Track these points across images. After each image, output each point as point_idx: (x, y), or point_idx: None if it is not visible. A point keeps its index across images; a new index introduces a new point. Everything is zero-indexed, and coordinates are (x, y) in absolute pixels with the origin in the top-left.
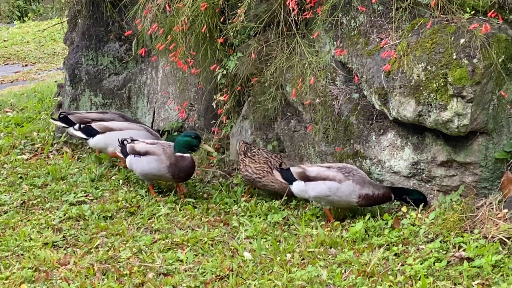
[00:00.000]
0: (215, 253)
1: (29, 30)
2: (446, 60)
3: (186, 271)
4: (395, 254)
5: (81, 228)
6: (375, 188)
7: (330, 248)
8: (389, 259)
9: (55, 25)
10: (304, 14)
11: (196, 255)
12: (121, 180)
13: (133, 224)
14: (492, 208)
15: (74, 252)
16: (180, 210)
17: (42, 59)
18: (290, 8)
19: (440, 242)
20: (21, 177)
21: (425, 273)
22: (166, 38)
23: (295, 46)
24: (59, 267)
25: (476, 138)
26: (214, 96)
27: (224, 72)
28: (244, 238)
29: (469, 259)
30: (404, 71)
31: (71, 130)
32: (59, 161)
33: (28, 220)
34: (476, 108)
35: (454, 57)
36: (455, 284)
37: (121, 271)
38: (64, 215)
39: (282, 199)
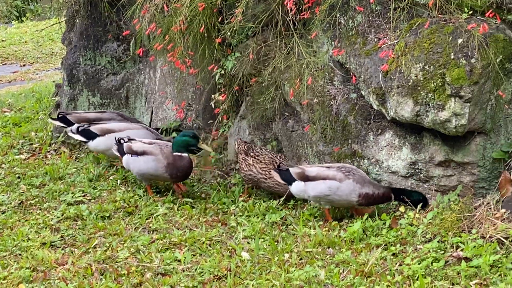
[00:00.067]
0: (213, 253)
1: (27, 30)
2: (444, 60)
3: (184, 271)
4: (393, 254)
5: (79, 228)
6: (375, 187)
7: (328, 248)
8: (387, 259)
9: (53, 25)
10: (302, 14)
11: (194, 255)
12: (119, 180)
13: (131, 224)
14: (490, 208)
15: (72, 252)
16: (178, 210)
17: (40, 59)
18: (288, 8)
19: (438, 242)
20: (19, 177)
21: (423, 273)
22: (164, 38)
23: (293, 46)
24: (57, 267)
25: (474, 138)
26: (212, 96)
27: (222, 72)
28: (242, 238)
29: (467, 259)
30: (402, 71)
31: (70, 132)
32: (57, 161)
33: (26, 220)
34: (474, 108)
35: (452, 57)
36: (453, 284)
37: (119, 271)
38: (62, 215)
39: (281, 199)
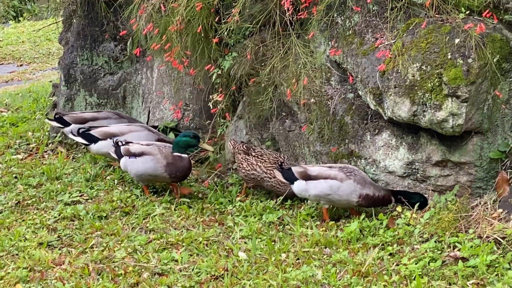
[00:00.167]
0: (210, 253)
1: (24, 30)
2: (441, 60)
3: (181, 271)
4: (390, 254)
5: (76, 228)
6: (376, 189)
7: (325, 248)
8: (384, 259)
9: (50, 25)
10: (299, 14)
11: (191, 255)
12: (116, 180)
13: (128, 224)
14: (487, 208)
15: (69, 252)
16: (175, 210)
17: (37, 59)
18: (285, 8)
19: (435, 242)
20: (16, 177)
21: (420, 273)
22: (161, 38)
23: (290, 46)
24: (54, 267)
25: (471, 138)
26: (210, 96)
27: (219, 72)
28: (239, 238)
29: (464, 259)
30: (399, 71)
31: (70, 135)
32: (54, 161)
33: (23, 220)
34: (471, 108)
35: (449, 57)
36: (450, 284)
37: (116, 271)
38: (59, 215)
39: (279, 199)
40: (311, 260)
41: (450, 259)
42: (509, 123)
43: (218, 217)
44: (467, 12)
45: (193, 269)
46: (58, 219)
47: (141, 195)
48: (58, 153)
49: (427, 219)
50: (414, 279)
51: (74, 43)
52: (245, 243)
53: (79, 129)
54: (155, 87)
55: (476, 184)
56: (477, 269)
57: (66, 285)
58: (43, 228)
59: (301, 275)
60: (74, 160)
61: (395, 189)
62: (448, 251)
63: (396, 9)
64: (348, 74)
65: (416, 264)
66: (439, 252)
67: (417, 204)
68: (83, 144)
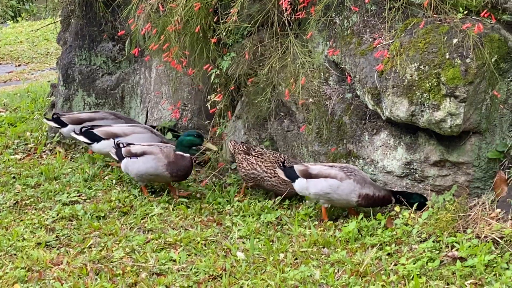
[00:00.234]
0: (208, 253)
1: (22, 30)
2: (439, 60)
3: (179, 271)
4: (388, 254)
5: (74, 228)
6: (376, 189)
7: (323, 247)
8: (382, 259)
9: (48, 25)
10: (297, 14)
11: (189, 255)
12: (114, 180)
13: (126, 224)
14: (485, 208)
15: (67, 252)
16: (173, 210)
17: (35, 59)
18: (283, 8)
19: (433, 241)
20: (14, 177)
21: (418, 273)
22: (160, 38)
23: (289, 46)
24: (52, 267)
25: (469, 138)
26: (209, 97)
27: (218, 72)
28: (237, 238)
29: (462, 259)
30: (397, 71)
31: (72, 133)
32: (52, 161)
33: (21, 220)
34: (469, 108)
35: (447, 57)
36: (448, 284)
37: (114, 271)
38: (57, 215)
39: (277, 199)
40: (309, 260)
41: (448, 259)
42: (507, 123)
43: (216, 217)
44: (465, 12)
45: (191, 269)
46: (56, 219)
47: (139, 195)
48: (56, 153)
49: (425, 219)
50: (412, 279)
51: (72, 43)
52: (243, 243)
53: (82, 127)
54: (153, 87)
55: (474, 184)
56: (475, 269)
57: (64, 285)
58: (41, 228)
59: (299, 275)
60: (72, 160)
61: (394, 190)
62: (446, 251)
63: (394, 9)
64: (346, 74)
65: (414, 264)
66: (437, 252)
67: (416, 204)
68: (85, 143)
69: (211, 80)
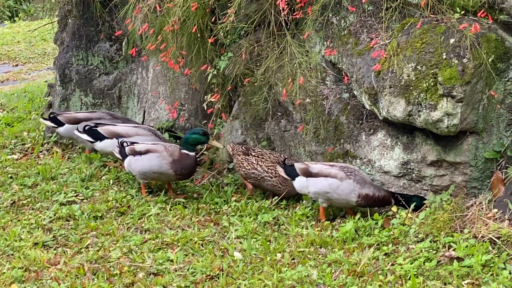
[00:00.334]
0: (205, 253)
1: (19, 30)
2: (436, 60)
3: (176, 271)
4: (385, 254)
5: (71, 228)
6: (376, 189)
7: (320, 247)
8: (379, 259)
9: (45, 25)
10: (294, 14)
11: (186, 255)
12: (111, 180)
13: (123, 224)
14: (482, 208)
15: (64, 252)
16: (170, 210)
17: (32, 59)
18: (280, 8)
19: (430, 241)
20: (11, 177)
21: (415, 273)
22: (157, 38)
23: (286, 46)
24: (49, 267)
25: (466, 138)
26: (205, 97)
27: (215, 72)
28: (234, 238)
29: (459, 259)
30: (394, 71)
31: (75, 131)
32: (50, 161)
33: (18, 220)
34: (466, 108)
35: (444, 57)
36: (445, 284)
37: (111, 271)
38: (54, 215)
39: (274, 199)
40: (306, 260)
41: (445, 259)
42: (504, 123)
43: (213, 217)
44: (462, 12)
45: (188, 269)
46: (54, 219)
47: (136, 195)
48: (53, 153)
49: (422, 219)
50: (409, 279)
51: (69, 43)
52: (241, 243)
53: (85, 125)
54: (151, 87)
55: (471, 184)
56: (472, 269)
57: (61, 285)
58: (38, 228)
59: (296, 275)
60: (69, 160)
61: (395, 192)
62: (443, 251)
63: (391, 9)
64: (343, 74)
65: (411, 264)
66: (434, 252)
67: (413, 204)
68: (88, 141)
69: (208, 80)
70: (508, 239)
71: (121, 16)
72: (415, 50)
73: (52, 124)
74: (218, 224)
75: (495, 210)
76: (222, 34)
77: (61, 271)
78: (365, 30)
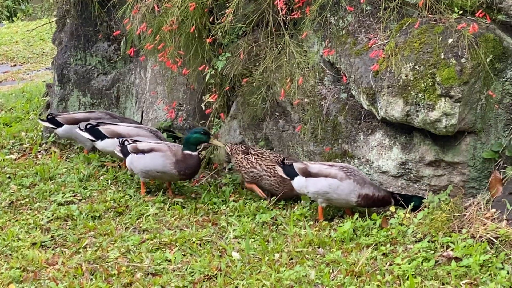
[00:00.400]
0: (203, 253)
1: (18, 30)
2: (434, 60)
3: (174, 271)
4: (383, 254)
5: (69, 228)
6: (376, 189)
7: (318, 247)
8: (377, 259)
9: (43, 25)
10: (292, 14)
11: (184, 255)
12: (109, 180)
13: (121, 224)
14: (480, 208)
15: (62, 252)
16: (168, 210)
17: (30, 59)
18: (279, 8)
19: (428, 241)
20: (9, 177)
21: (413, 273)
22: (155, 38)
23: (284, 46)
24: (47, 267)
25: (464, 138)
26: (203, 97)
27: (213, 72)
28: (233, 238)
29: (457, 259)
30: (392, 71)
31: (77, 129)
32: (48, 161)
33: (16, 220)
34: (464, 108)
35: (442, 57)
36: (443, 284)
37: (110, 271)
38: (53, 215)
39: (273, 199)
40: (304, 260)
41: (443, 259)
42: (502, 123)
43: (211, 217)
44: (460, 12)
45: (186, 269)
46: (52, 219)
47: (134, 195)
48: (51, 153)
49: (420, 219)
50: (407, 279)
51: (67, 43)
52: (239, 243)
53: (87, 124)
54: (149, 87)
55: (469, 184)
56: (470, 269)
57: (59, 285)
58: (36, 228)
59: (294, 275)
60: (67, 160)
61: (395, 192)
62: (441, 251)
63: (389, 9)
64: (342, 74)
65: (409, 264)
66: (432, 252)
67: (412, 204)
68: (90, 140)
69: (206, 80)
70: (506, 239)
71: (119, 16)
72: (413, 50)
73: (51, 126)
74: (216, 224)
75: (493, 210)
76: (220, 34)
77: (59, 271)
78: (363, 30)
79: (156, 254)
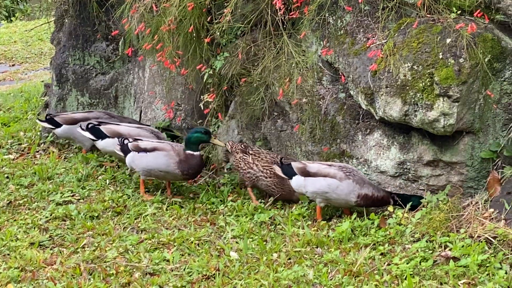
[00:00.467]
0: (201, 253)
1: (16, 30)
2: (433, 60)
3: (172, 270)
4: (381, 254)
5: (67, 228)
6: (375, 189)
7: (317, 247)
8: (375, 259)
9: (42, 25)
10: (290, 13)
11: (182, 255)
12: (107, 180)
13: (119, 224)
14: (478, 208)
15: (60, 252)
16: (166, 209)
17: (29, 59)
18: (277, 8)
19: (426, 241)
20: (7, 177)
21: (411, 273)
22: (153, 38)
23: (282, 46)
24: (45, 267)
25: (462, 138)
26: (202, 97)
27: (211, 72)
28: (231, 238)
29: (455, 259)
30: (391, 70)
31: (78, 129)
32: (46, 161)
33: (15, 220)
34: (462, 108)
35: (440, 56)
36: (441, 284)
37: (108, 270)
38: (51, 215)
39: (270, 200)
40: (302, 260)
41: (442, 259)
42: (500, 122)
43: (209, 217)
44: (459, 12)
45: (184, 269)
46: (50, 219)
47: (132, 195)
48: (49, 153)
49: (419, 218)
50: (405, 279)
51: (66, 43)
52: (237, 243)
53: (89, 124)
54: (147, 87)
55: (467, 184)
56: (468, 268)
57: (57, 285)
58: (34, 228)
59: (292, 275)
60: (65, 160)
61: (394, 192)
62: (440, 251)
63: (388, 9)
64: (340, 74)
65: (407, 263)
66: (431, 251)
67: (410, 203)
68: (91, 139)
69: (204, 80)
70: (504, 239)
71: (117, 16)
72: (412, 50)
73: (50, 126)
74: (214, 224)
75: (491, 210)
76: (218, 34)
77: (57, 271)
78: (361, 30)
79: (154, 254)
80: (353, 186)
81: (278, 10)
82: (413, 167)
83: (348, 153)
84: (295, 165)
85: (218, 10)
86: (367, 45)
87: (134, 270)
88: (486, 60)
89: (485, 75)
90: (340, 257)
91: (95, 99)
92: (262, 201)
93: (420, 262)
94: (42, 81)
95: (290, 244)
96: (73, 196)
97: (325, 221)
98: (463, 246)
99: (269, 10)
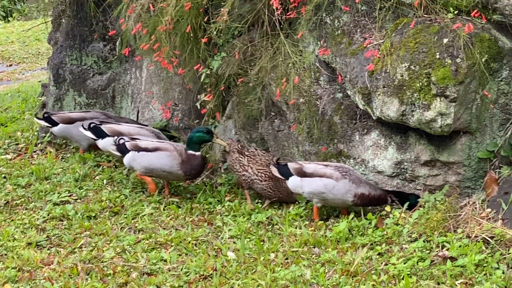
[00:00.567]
0: (198, 253)
1: (13, 30)
2: (430, 60)
3: (169, 270)
4: (379, 254)
5: (64, 228)
6: (372, 188)
7: (314, 247)
8: (372, 259)
9: (39, 25)
10: (288, 14)
11: (179, 255)
12: (105, 180)
13: (116, 224)
14: (476, 208)
15: (57, 252)
16: (164, 209)
17: (26, 59)
18: (274, 8)
19: (424, 241)
20: (4, 177)
21: (409, 273)
22: (150, 38)
23: (279, 46)
24: (42, 267)
25: (459, 138)
26: (199, 97)
27: (208, 72)
28: (228, 238)
29: (453, 259)
30: (388, 70)
31: (80, 128)
32: (43, 161)
33: (12, 220)
34: (459, 108)
35: (438, 56)
36: (438, 284)
37: (105, 270)
38: (48, 215)
39: (267, 203)
40: (300, 260)
41: (439, 259)
42: (497, 122)
43: (207, 217)
44: (456, 12)
45: (182, 269)
46: (47, 219)
47: (130, 195)
48: (47, 153)
49: (416, 218)
50: (402, 279)
51: (63, 43)
52: (234, 242)
53: (90, 123)
54: (144, 87)
55: (464, 184)
56: (465, 268)
57: (54, 285)
58: (32, 228)
59: (290, 275)
60: (63, 160)
61: (391, 190)
62: (437, 251)
63: (385, 9)
64: (337, 73)
65: (404, 263)
66: (428, 251)
67: (407, 203)
68: (92, 138)
69: (202, 80)
70: (502, 239)
71: (114, 16)
72: (409, 50)
73: (47, 124)
74: (211, 224)
75: (489, 209)
76: (215, 34)
77: (55, 271)
78: (358, 30)
79: (152, 254)
80: (350, 186)
81: (275, 10)
82: (410, 167)
83: (345, 153)
84: (291, 165)
85: (215, 10)
86: (364, 45)
87: (132, 270)
88: (483, 60)
89: (482, 75)
90: (337, 257)
91: (92, 99)
92: (260, 201)
93: (417, 262)
94: (40, 81)
95: (287, 244)
96: (70, 196)
97: (323, 221)
98: (460, 246)
99: (266, 10)
